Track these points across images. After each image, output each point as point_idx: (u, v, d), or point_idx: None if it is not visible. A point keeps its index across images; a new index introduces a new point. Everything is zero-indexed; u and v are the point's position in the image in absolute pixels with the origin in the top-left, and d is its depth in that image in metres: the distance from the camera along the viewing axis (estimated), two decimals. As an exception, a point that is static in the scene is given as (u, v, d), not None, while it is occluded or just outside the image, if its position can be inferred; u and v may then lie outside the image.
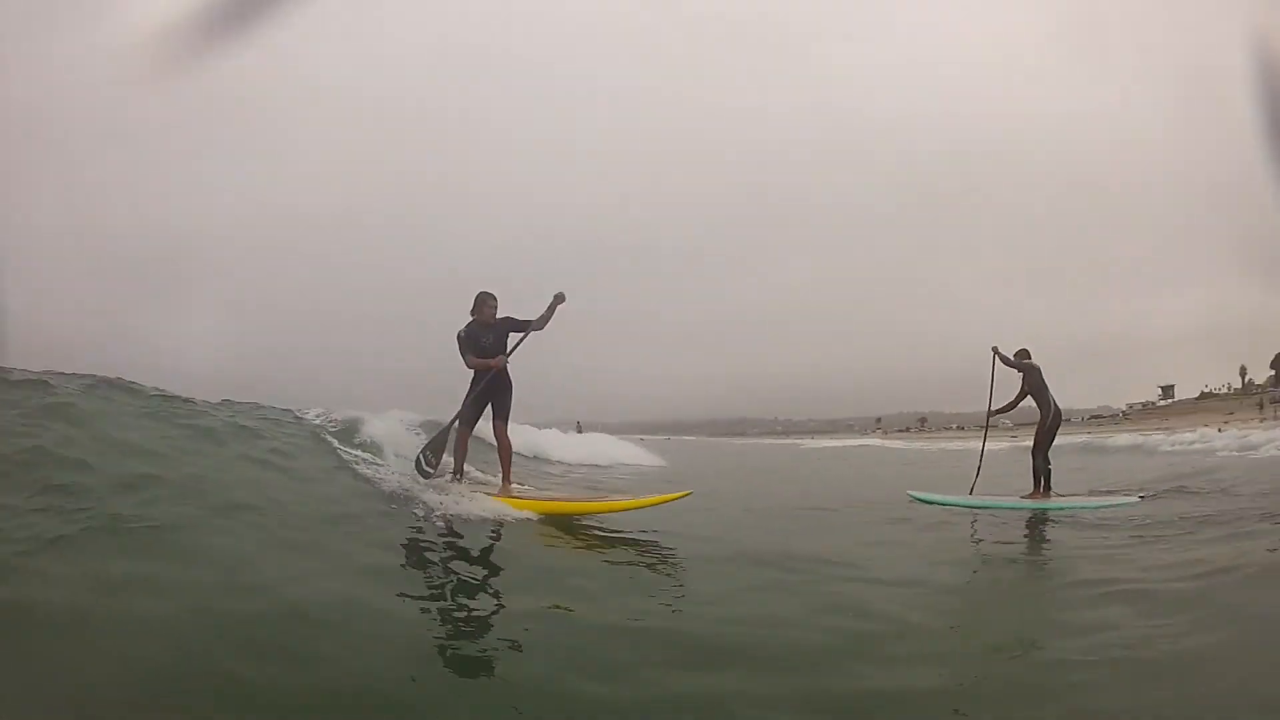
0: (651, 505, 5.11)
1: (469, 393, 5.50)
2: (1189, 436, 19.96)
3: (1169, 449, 18.83)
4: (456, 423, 5.53)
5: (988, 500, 7.14)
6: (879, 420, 73.77)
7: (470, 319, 5.51)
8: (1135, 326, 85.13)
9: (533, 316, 5.38)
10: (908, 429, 68.27)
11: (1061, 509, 6.66)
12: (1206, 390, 55.00)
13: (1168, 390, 58.16)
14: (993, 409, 7.54)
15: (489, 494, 5.20)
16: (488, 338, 5.47)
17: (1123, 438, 23.30)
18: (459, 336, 5.46)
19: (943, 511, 6.78)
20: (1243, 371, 55.41)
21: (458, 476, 5.51)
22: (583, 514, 5.18)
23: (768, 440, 59.33)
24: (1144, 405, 56.87)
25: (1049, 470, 7.24)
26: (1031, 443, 7.32)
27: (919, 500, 7.26)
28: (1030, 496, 7.16)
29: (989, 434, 7.97)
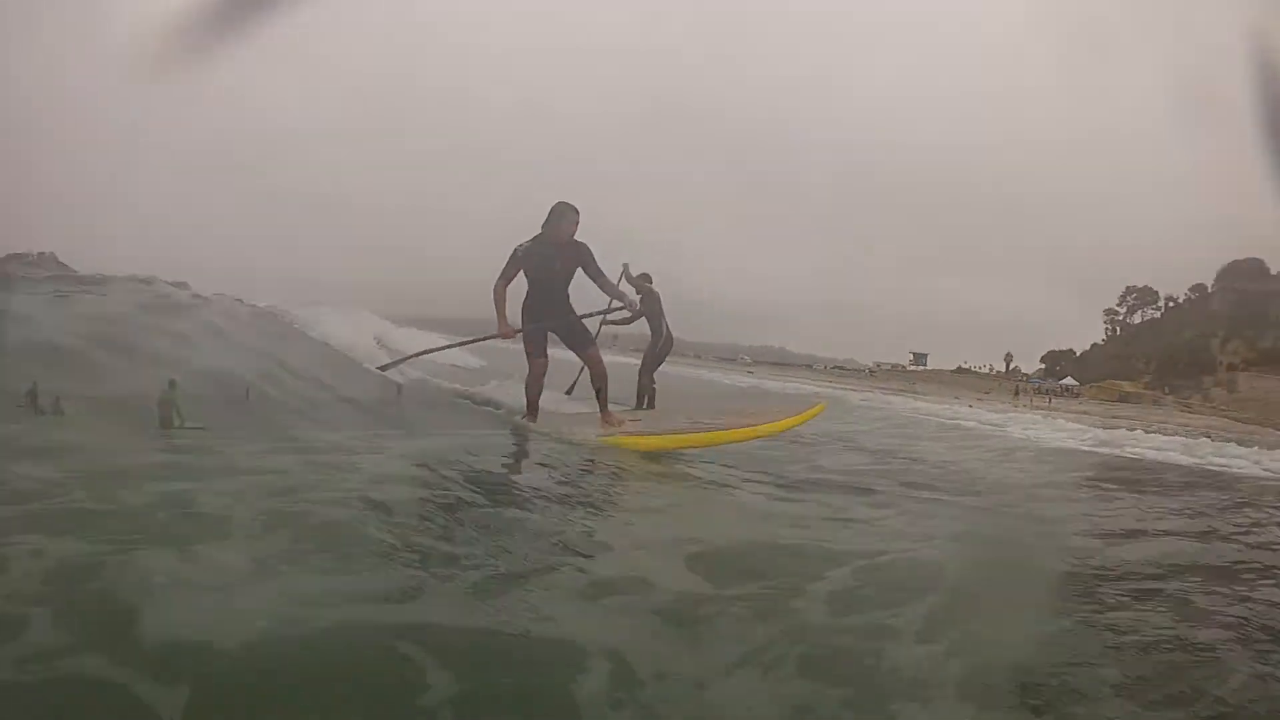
0: (801, 423, 4.69)
1: (524, 322, 4.76)
2: (941, 408, 20.19)
3: (911, 414, 16.24)
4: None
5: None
6: (616, 337, 76.97)
7: (535, 235, 4.67)
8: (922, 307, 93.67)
9: None
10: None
11: None
12: (964, 366, 62.94)
13: (919, 357, 65.42)
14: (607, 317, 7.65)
15: (596, 434, 4.54)
16: (554, 261, 4.63)
17: (861, 396, 23.33)
18: (514, 253, 4.65)
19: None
20: (1008, 358, 63.75)
21: (532, 416, 4.91)
22: (723, 443, 4.70)
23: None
24: (893, 367, 63.90)
25: (653, 390, 7.51)
26: (640, 363, 7.63)
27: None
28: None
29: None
